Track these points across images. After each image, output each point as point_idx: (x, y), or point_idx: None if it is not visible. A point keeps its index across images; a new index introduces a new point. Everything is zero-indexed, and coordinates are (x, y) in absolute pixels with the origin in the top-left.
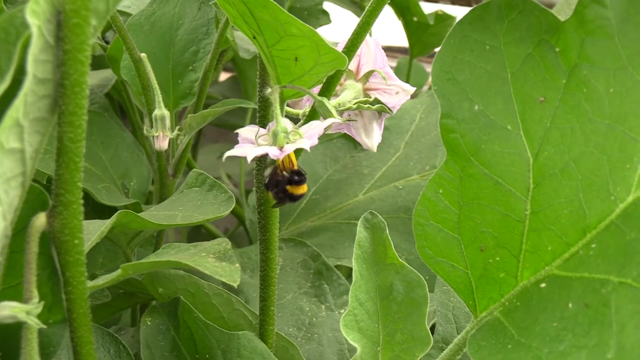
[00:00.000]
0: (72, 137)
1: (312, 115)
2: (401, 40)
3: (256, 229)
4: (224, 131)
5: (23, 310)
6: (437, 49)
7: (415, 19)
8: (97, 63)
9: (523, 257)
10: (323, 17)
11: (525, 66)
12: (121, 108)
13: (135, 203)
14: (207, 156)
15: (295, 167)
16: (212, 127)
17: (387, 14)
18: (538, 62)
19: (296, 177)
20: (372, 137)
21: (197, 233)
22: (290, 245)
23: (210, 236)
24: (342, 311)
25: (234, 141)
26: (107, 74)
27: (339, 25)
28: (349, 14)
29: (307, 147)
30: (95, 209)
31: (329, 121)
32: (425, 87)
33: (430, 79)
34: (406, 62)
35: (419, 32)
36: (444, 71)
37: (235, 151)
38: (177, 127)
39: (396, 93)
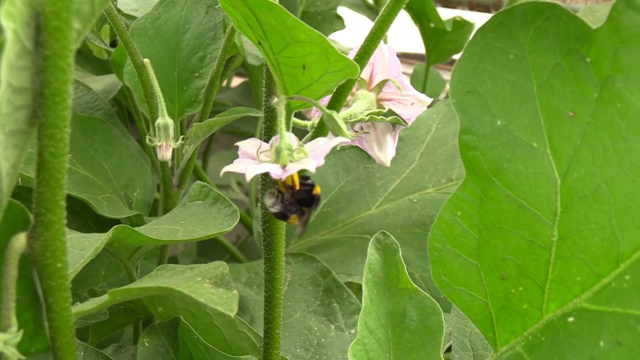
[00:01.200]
0: (53, 151)
1: (321, 128)
2: (417, 46)
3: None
4: (237, 138)
5: (0, 340)
6: (455, 56)
7: (432, 25)
8: (105, 68)
9: (549, 287)
10: (337, 23)
11: (552, 77)
12: (130, 114)
13: (138, 215)
14: (218, 163)
15: (298, 188)
16: (225, 133)
17: (403, 19)
18: (567, 73)
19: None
20: (385, 151)
21: (206, 242)
22: (299, 260)
23: (219, 246)
24: (352, 331)
25: None
26: (113, 79)
27: (353, 31)
28: (364, 19)
29: (312, 169)
30: (97, 221)
31: (337, 140)
32: (443, 95)
33: (447, 86)
34: (423, 69)
35: (436, 38)
36: (463, 82)
37: (234, 167)
38: (182, 137)
39: (412, 104)
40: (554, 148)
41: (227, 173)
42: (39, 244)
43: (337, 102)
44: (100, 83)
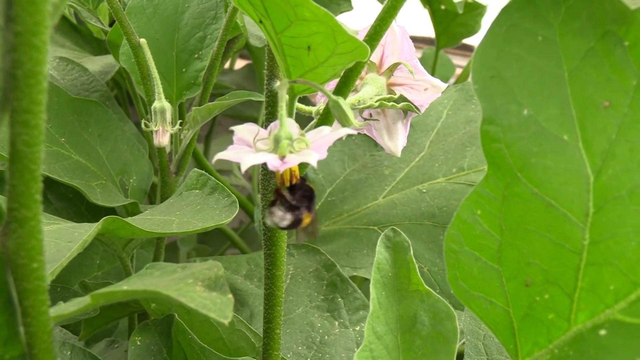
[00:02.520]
0: (27, 139)
1: (326, 115)
2: (426, 29)
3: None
4: (240, 122)
5: None
6: (465, 40)
7: (442, 7)
8: (105, 48)
9: (578, 296)
10: (344, 4)
11: (586, 63)
12: (130, 96)
13: (133, 203)
14: (220, 147)
15: (296, 181)
16: (228, 117)
17: (412, 1)
18: (602, 58)
19: (297, 196)
20: (395, 140)
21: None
22: (302, 252)
23: (220, 232)
24: (357, 328)
25: None
26: (110, 59)
27: (361, 13)
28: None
29: (314, 162)
30: (90, 209)
31: (342, 131)
32: (452, 80)
33: (457, 71)
34: (432, 53)
35: (446, 21)
36: (487, 67)
37: (228, 154)
38: (180, 122)
39: (425, 90)
40: (587, 141)
41: (230, 130)
42: (13, 242)
43: (344, 87)
44: (97, 64)
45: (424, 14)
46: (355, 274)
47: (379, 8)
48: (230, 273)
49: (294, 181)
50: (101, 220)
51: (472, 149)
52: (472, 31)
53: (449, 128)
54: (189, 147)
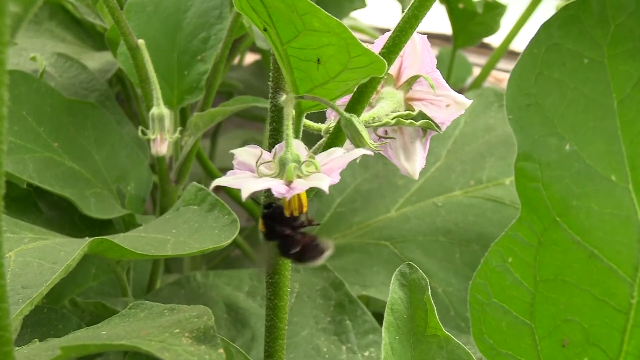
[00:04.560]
0: None
1: (337, 134)
2: (442, 26)
3: None
4: (247, 121)
5: None
6: (485, 39)
7: (460, 5)
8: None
9: None
10: (358, 1)
11: (638, 91)
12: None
13: (129, 215)
14: (228, 143)
15: (305, 210)
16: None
17: None
18: None
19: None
20: (413, 161)
21: None
22: (309, 268)
23: None
24: (365, 354)
25: (260, 128)
26: (111, 56)
27: (374, 8)
28: None
29: (325, 187)
30: (83, 219)
31: (356, 153)
32: (470, 80)
33: (475, 72)
34: (448, 52)
35: (464, 20)
36: (523, 93)
37: (227, 180)
38: (180, 129)
39: (447, 106)
40: (638, 183)
41: (231, 155)
42: None
43: (357, 104)
44: (97, 61)
45: (439, 9)
46: (364, 293)
47: (392, 4)
48: (231, 289)
49: (303, 210)
50: (88, 242)
51: (491, 160)
52: (490, 31)
53: (467, 137)
54: (190, 154)
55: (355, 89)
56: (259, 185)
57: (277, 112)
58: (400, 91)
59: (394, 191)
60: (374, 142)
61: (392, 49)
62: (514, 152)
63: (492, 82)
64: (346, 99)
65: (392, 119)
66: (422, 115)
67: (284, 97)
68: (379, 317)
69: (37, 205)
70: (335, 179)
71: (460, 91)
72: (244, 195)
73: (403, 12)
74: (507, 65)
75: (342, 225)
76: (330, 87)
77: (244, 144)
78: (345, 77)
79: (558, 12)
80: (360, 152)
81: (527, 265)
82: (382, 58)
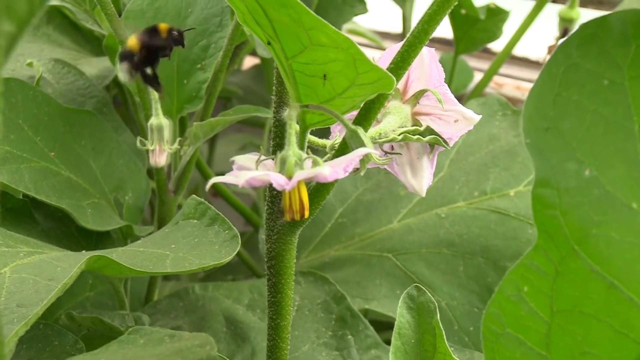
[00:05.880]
0: None
1: (343, 150)
2: (444, 31)
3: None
4: (247, 126)
5: None
6: (488, 45)
7: (463, 11)
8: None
9: None
10: (359, 6)
11: None
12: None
13: (127, 226)
14: (227, 147)
15: (307, 210)
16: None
17: (429, 1)
18: None
19: None
20: (420, 177)
21: None
22: (310, 281)
23: None
24: None
25: (259, 133)
26: (109, 62)
27: (375, 13)
28: (388, 3)
29: (327, 176)
30: (80, 230)
31: (362, 151)
32: (471, 86)
33: (476, 77)
34: (449, 58)
35: (466, 26)
36: (541, 116)
37: (225, 178)
38: (179, 139)
39: (455, 121)
40: None
41: (231, 161)
42: None
43: (364, 121)
44: (94, 67)
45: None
46: (366, 306)
47: (392, 8)
48: (231, 302)
49: (305, 214)
50: (85, 259)
51: (496, 171)
52: (493, 37)
53: (471, 146)
54: (190, 164)
55: (362, 105)
56: (257, 173)
57: (280, 127)
58: (407, 105)
59: (396, 202)
60: (380, 157)
61: (401, 64)
62: (519, 163)
63: (493, 88)
64: (352, 114)
65: (399, 135)
66: (429, 131)
67: (287, 111)
68: (376, 325)
69: (33, 216)
70: (339, 173)
71: (461, 97)
72: (242, 182)
73: (404, 16)
74: (509, 70)
75: (344, 236)
76: (337, 103)
77: (242, 148)
78: (352, 93)
79: (577, 31)
80: (366, 150)
81: (543, 294)
82: (390, 74)
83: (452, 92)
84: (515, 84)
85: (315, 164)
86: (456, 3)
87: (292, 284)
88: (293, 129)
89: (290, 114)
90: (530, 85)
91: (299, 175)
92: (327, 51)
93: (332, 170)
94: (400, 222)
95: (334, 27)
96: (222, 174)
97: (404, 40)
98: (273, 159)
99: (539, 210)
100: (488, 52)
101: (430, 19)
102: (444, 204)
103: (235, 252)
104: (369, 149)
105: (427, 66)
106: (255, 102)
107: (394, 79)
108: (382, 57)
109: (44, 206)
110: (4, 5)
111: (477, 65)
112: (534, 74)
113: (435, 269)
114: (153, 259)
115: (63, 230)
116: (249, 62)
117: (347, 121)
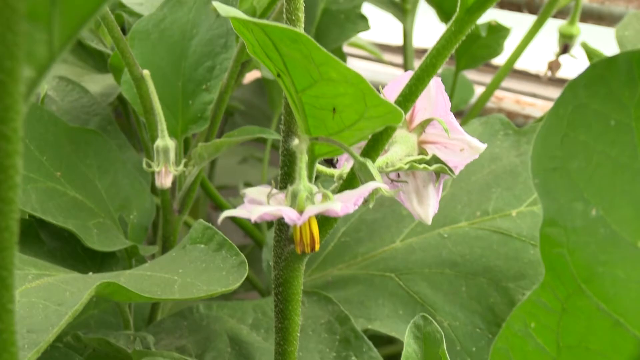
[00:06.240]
0: None
1: (351, 180)
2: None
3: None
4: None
5: None
6: (492, 60)
7: None
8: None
9: None
10: (361, 23)
11: None
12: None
13: (133, 247)
14: (227, 160)
15: (317, 243)
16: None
17: (428, 15)
18: None
19: None
20: (426, 206)
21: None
22: (314, 300)
23: None
24: None
25: (260, 146)
26: (113, 80)
27: (375, 26)
28: (389, 16)
29: (338, 211)
30: (86, 250)
31: (372, 185)
32: (473, 101)
33: (477, 92)
34: (450, 73)
35: (467, 42)
36: (549, 156)
37: (240, 212)
38: (184, 162)
39: (461, 150)
40: None
41: (235, 175)
42: None
43: (372, 152)
44: (99, 84)
45: (441, 28)
46: (369, 326)
47: (392, 21)
48: (235, 322)
49: (316, 247)
50: (94, 286)
51: (498, 191)
52: (494, 54)
53: (473, 166)
54: (194, 184)
55: (370, 136)
56: (270, 209)
57: (289, 157)
58: (413, 134)
59: (398, 221)
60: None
61: (409, 97)
62: (520, 183)
63: (493, 102)
64: (361, 144)
65: (405, 164)
66: (435, 160)
67: (296, 141)
68: (375, 339)
69: (40, 236)
70: (349, 208)
71: (462, 113)
72: (254, 217)
73: (405, 31)
74: (508, 83)
75: (347, 255)
76: (346, 135)
77: (243, 160)
78: (361, 126)
79: (585, 71)
80: (376, 184)
81: (550, 331)
82: (399, 108)
83: (452, 108)
84: (515, 98)
85: (325, 198)
86: (464, 38)
87: (299, 310)
88: (304, 162)
89: (301, 147)
90: (529, 100)
91: (311, 210)
92: (337, 85)
93: (343, 205)
94: (402, 241)
95: (344, 64)
96: (224, 187)
97: (412, 74)
98: (283, 191)
99: (546, 249)
100: (488, 65)
101: (438, 54)
102: (447, 224)
103: (244, 278)
104: (378, 183)
105: (433, 96)
106: (257, 116)
107: (403, 112)
108: (388, 87)
109: (50, 225)
110: (25, 51)
111: (477, 79)
112: (534, 88)
113: (437, 289)
114: (161, 284)
115: (69, 250)
116: (250, 75)
117: (356, 154)
